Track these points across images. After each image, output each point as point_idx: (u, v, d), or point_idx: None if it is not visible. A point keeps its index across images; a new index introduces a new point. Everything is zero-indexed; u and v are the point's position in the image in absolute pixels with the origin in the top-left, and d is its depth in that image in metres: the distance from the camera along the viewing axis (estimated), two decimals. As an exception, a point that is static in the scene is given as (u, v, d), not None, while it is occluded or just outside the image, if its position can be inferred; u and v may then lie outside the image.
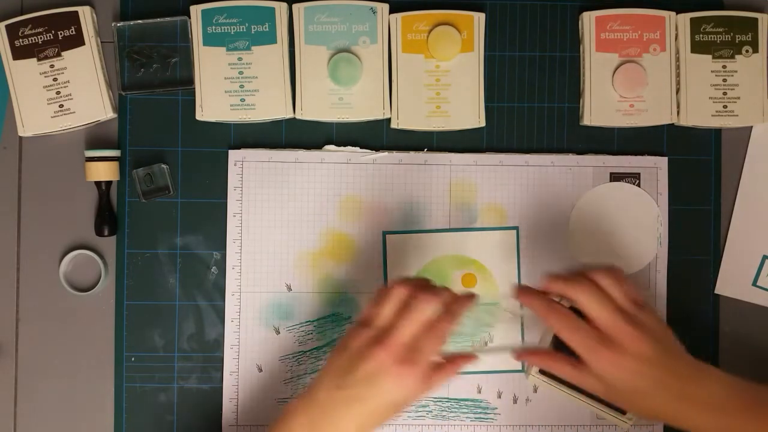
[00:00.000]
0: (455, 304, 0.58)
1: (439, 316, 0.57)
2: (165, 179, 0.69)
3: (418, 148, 0.70)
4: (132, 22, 0.69)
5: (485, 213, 0.70)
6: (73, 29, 0.68)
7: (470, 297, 0.60)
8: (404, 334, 0.56)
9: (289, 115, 0.69)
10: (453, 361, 0.59)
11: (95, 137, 0.70)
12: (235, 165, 0.70)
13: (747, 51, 0.70)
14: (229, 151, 0.70)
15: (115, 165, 0.68)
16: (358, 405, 0.55)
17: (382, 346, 0.55)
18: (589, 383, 0.57)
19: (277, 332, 0.70)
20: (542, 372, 0.63)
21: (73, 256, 0.69)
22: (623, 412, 0.62)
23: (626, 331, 0.55)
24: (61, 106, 0.68)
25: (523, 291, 0.60)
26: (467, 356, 0.60)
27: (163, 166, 0.69)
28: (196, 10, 0.68)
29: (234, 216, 0.70)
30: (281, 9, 0.69)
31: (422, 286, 0.59)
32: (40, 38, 0.67)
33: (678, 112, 0.70)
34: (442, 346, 0.57)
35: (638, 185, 0.71)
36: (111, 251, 0.70)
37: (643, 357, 0.55)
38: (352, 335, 0.57)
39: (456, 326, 0.58)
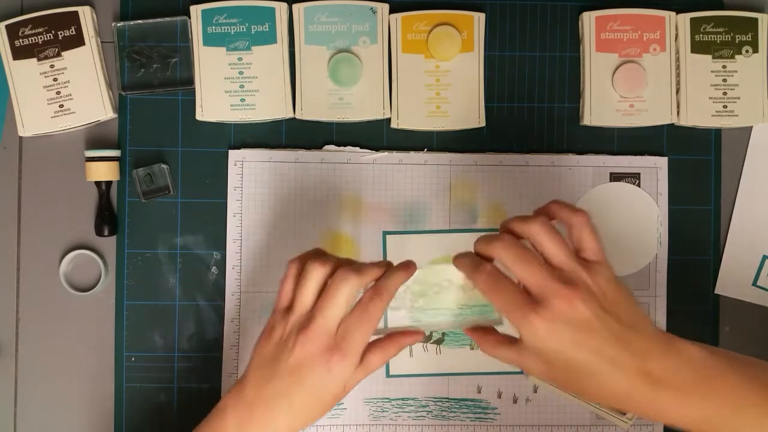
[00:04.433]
0: (385, 279, 0.52)
1: (367, 294, 0.51)
2: (165, 179, 0.69)
3: (418, 148, 0.70)
4: (132, 22, 0.69)
5: (485, 213, 0.70)
6: (73, 29, 0.68)
7: (405, 268, 0.53)
8: (329, 319, 0.51)
9: (289, 115, 0.69)
10: (393, 339, 0.53)
11: (95, 137, 0.70)
12: (235, 165, 0.70)
13: (747, 51, 0.70)
14: (229, 151, 0.70)
15: (115, 165, 0.68)
16: (286, 402, 0.51)
17: (306, 334, 0.50)
18: (529, 363, 0.48)
19: (277, 332, 0.69)
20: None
21: (73, 256, 0.69)
22: (623, 413, 0.62)
23: (555, 288, 0.46)
24: (61, 106, 0.68)
25: (456, 256, 0.53)
26: (411, 333, 0.54)
27: (163, 166, 0.69)
28: (196, 10, 0.69)
29: (234, 216, 0.70)
30: (281, 9, 0.69)
31: (342, 263, 0.53)
32: (40, 38, 0.67)
33: (678, 112, 0.70)
34: (374, 326, 0.52)
35: (638, 185, 0.71)
36: (111, 251, 0.70)
37: (579, 322, 0.45)
38: (275, 322, 0.53)
39: (387, 303, 0.52)
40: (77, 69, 0.68)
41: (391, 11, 0.69)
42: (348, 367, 0.51)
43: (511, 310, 0.47)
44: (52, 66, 0.67)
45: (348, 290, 0.51)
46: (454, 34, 0.68)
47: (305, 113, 0.69)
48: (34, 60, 0.67)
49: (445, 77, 0.69)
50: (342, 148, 0.70)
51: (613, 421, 0.63)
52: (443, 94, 0.69)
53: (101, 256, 0.69)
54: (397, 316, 0.55)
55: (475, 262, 0.51)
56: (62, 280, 0.68)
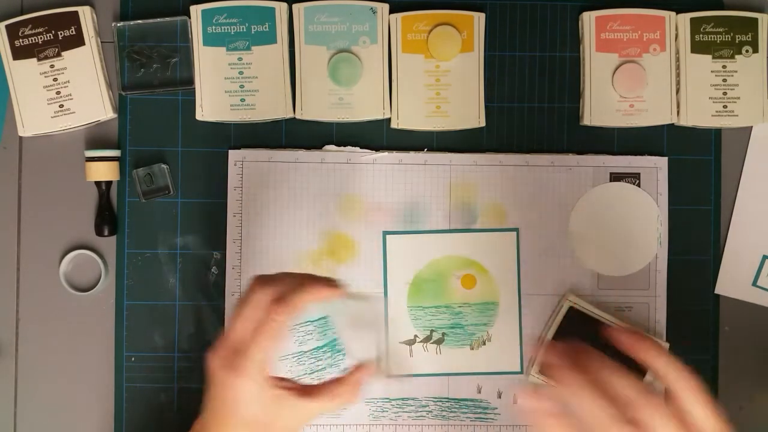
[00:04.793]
0: (292, 293, 0.49)
1: (269, 309, 0.48)
2: (165, 179, 0.69)
3: (418, 148, 0.70)
4: (132, 22, 0.69)
5: (485, 213, 0.70)
6: (73, 29, 0.68)
7: (321, 285, 0.50)
8: (231, 335, 0.49)
9: (289, 115, 0.69)
10: (342, 381, 0.51)
11: (95, 137, 0.70)
12: (235, 165, 0.70)
13: (747, 51, 0.70)
14: (229, 151, 0.70)
15: (115, 165, 0.68)
16: (210, 417, 0.49)
17: (211, 350, 0.49)
18: None
19: (277, 332, 0.69)
20: (543, 372, 0.62)
21: (73, 256, 0.69)
22: None
23: None
24: (61, 106, 0.68)
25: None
26: (359, 372, 0.51)
27: (163, 166, 0.69)
28: (196, 10, 0.68)
29: (234, 216, 0.70)
30: (281, 9, 0.69)
31: (263, 279, 0.50)
32: (40, 38, 0.67)
33: (678, 112, 0.70)
34: (273, 340, 0.48)
35: (638, 185, 0.71)
36: (111, 251, 0.70)
37: None
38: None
39: (286, 317, 0.48)
40: (77, 69, 0.68)
41: (391, 11, 0.69)
42: (247, 383, 0.48)
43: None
44: (52, 66, 0.67)
45: (252, 304, 0.49)
46: (454, 34, 0.68)
47: (305, 113, 0.69)
48: (34, 60, 0.67)
49: (445, 77, 0.69)
50: (342, 148, 0.70)
51: None
52: (443, 94, 0.69)
53: (101, 256, 0.69)
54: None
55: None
56: (62, 280, 0.68)
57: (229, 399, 0.48)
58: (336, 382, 0.51)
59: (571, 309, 0.58)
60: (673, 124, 0.71)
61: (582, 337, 0.60)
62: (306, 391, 0.50)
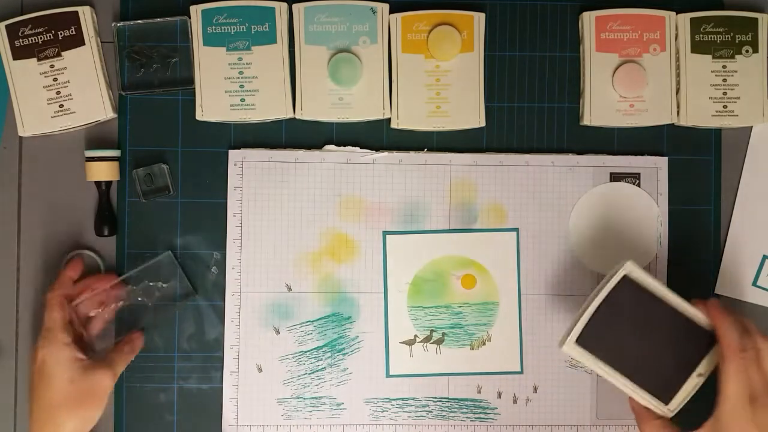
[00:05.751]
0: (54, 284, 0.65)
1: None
2: (165, 179, 0.69)
3: (418, 148, 0.71)
4: (132, 22, 0.69)
5: (485, 213, 0.70)
6: (73, 29, 0.68)
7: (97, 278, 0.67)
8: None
9: (289, 115, 0.69)
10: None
11: (95, 137, 0.70)
12: (235, 165, 0.70)
13: (747, 51, 0.70)
14: (229, 151, 0.70)
15: (115, 165, 0.68)
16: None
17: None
18: None
19: (277, 332, 0.70)
20: (579, 343, 0.61)
21: (72, 255, 0.69)
22: (664, 401, 0.61)
23: None
24: (61, 106, 0.68)
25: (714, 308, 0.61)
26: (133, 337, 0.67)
27: (163, 166, 0.69)
28: (196, 10, 0.68)
29: (234, 216, 0.70)
30: (281, 9, 0.69)
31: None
32: (40, 38, 0.67)
33: (678, 112, 0.70)
34: (59, 315, 0.62)
35: (638, 185, 0.71)
36: (111, 251, 0.69)
37: None
38: None
39: (58, 290, 0.63)
40: (77, 69, 0.68)
41: (391, 11, 0.69)
42: (43, 349, 0.62)
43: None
44: (52, 66, 0.67)
45: (49, 296, 0.64)
46: (454, 34, 0.68)
47: (305, 113, 0.69)
48: (34, 60, 0.67)
49: (445, 77, 0.69)
50: (342, 148, 0.70)
51: (652, 407, 0.61)
52: (443, 94, 0.69)
53: (101, 256, 0.69)
54: None
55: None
56: (62, 280, 0.68)
57: (36, 365, 0.62)
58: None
59: (625, 278, 0.58)
60: (673, 124, 0.71)
61: (630, 309, 0.61)
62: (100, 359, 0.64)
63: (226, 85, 0.69)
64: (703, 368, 0.61)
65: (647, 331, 0.61)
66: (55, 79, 0.67)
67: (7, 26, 0.67)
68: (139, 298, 0.67)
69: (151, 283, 0.68)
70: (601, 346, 0.61)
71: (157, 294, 0.68)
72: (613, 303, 0.61)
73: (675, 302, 0.61)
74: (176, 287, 0.68)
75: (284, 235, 0.70)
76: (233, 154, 0.70)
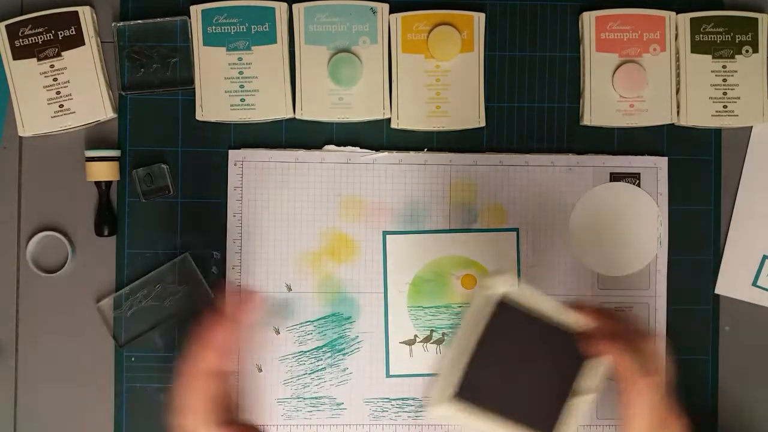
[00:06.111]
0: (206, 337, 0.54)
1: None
2: (165, 179, 0.69)
3: (418, 148, 0.71)
4: (132, 22, 0.69)
5: (485, 213, 0.70)
6: (73, 29, 0.68)
7: (234, 311, 0.54)
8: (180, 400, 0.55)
9: (289, 115, 0.69)
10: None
11: (95, 137, 0.70)
12: (235, 165, 0.70)
13: (747, 51, 0.70)
14: (229, 151, 0.70)
15: (115, 165, 0.68)
16: None
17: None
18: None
19: (277, 332, 0.70)
20: (460, 397, 0.49)
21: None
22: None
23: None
24: (61, 106, 0.68)
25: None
26: None
27: (163, 166, 0.69)
28: (196, 10, 0.69)
29: (234, 216, 0.70)
30: (281, 9, 0.69)
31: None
32: (40, 38, 0.67)
33: (678, 112, 0.70)
34: (197, 391, 0.55)
35: (638, 185, 0.71)
36: (111, 251, 0.69)
37: None
38: None
39: (211, 362, 0.54)
40: (77, 69, 0.68)
41: (391, 11, 0.69)
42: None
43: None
44: (52, 66, 0.67)
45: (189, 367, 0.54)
46: (454, 34, 0.68)
47: (305, 113, 0.69)
48: (34, 60, 0.67)
49: (445, 77, 0.69)
50: (342, 148, 0.70)
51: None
52: (443, 94, 0.69)
53: (70, 240, 0.69)
54: None
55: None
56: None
57: None
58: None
59: (500, 304, 0.50)
60: (673, 124, 0.71)
61: (509, 338, 0.51)
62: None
63: (226, 85, 0.69)
64: (581, 386, 0.52)
65: (529, 357, 0.51)
66: (55, 79, 0.68)
67: (7, 26, 0.67)
68: (153, 301, 0.67)
69: (167, 286, 0.68)
70: (485, 395, 0.49)
71: (173, 297, 0.67)
72: (490, 337, 0.50)
73: (552, 316, 0.52)
74: (192, 290, 0.68)
75: (284, 235, 0.70)
76: (233, 154, 0.70)
